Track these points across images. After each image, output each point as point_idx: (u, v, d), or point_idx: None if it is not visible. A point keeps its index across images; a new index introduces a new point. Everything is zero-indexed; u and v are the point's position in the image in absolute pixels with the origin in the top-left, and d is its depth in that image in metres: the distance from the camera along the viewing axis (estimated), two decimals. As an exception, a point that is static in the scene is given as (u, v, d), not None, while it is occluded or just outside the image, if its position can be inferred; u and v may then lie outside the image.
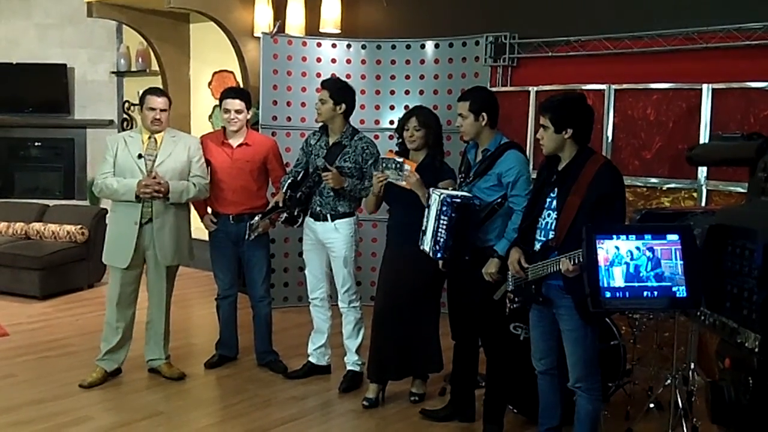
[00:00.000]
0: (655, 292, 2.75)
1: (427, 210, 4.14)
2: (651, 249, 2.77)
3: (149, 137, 4.87)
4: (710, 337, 5.01)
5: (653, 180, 5.42)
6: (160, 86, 9.03)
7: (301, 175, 4.91)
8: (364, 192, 4.79)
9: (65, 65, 9.48)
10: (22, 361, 5.40)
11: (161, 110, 4.87)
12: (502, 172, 4.05)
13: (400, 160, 4.36)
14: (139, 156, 4.80)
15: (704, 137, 5.14)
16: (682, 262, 2.73)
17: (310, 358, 5.19)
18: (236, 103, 5.06)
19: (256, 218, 4.99)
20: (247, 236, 5.00)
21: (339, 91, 4.81)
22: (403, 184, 4.31)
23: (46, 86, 9.48)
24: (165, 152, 4.87)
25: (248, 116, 5.15)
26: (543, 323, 3.74)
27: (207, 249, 5.39)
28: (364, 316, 5.00)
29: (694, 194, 5.25)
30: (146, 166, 4.80)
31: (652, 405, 4.49)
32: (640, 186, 5.45)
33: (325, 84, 4.89)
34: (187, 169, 4.96)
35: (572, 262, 3.31)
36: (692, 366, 4.41)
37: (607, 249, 2.80)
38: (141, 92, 5.02)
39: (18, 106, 9.53)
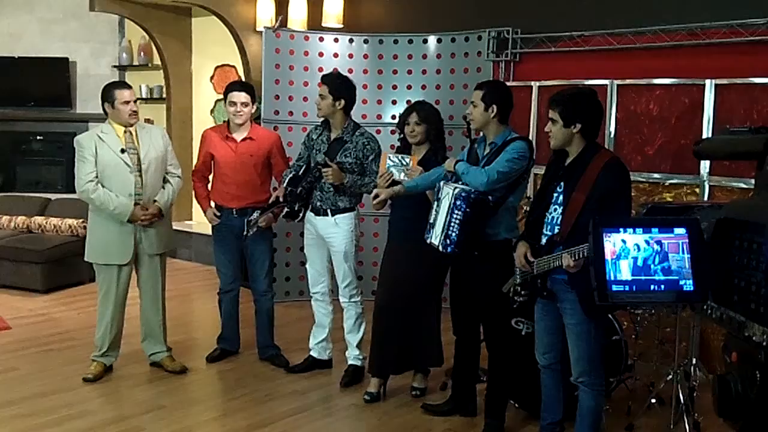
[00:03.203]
0: (662, 286, 2.74)
1: (436, 203, 4.12)
2: (658, 242, 2.76)
3: (124, 131, 4.85)
4: (712, 332, 5.02)
5: (656, 175, 5.41)
6: (162, 81, 9.08)
7: (302, 169, 4.91)
8: (363, 188, 4.79)
9: (67, 59, 9.45)
10: (24, 355, 5.41)
11: (134, 102, 4.86)
12: None
13: (406, 156, 4.38)
14: (122, 151, 4.79)
15: (707, 133, 5.14)
16: (689, 255, 2.73)
17: (312, 353, 5.19)
18: (242, 96, 5.06)
19: (255, 214, 4.99)
20: (246, 232, 5.00)
21: (338, 86, 4.81)
22: (408, 179, 4.31)
23: (49, 80, 9.45)
24: (145, 144, 4.87)
25: (253, 110, 5.15)
26: (547, 317, 3.75)
27: (210, 243, 5.38)
28: (365, 310, 5.00)
29: (697, 190, 5.24)
30: (131, 160, 4.80)
31: (653, 400, 4.48)
32: (643, 181, 5.44)
33: (324, 79, 4.88)
34: (166, 157, 5.00)
35: (573, 258, 3.31)
36: (694, 361, 4.41)
37: (614, 242, 2.80)
38: (104, 88, 4.94)
39: (20, 100, 9.50)
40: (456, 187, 3.96)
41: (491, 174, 3.92)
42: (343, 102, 4.79)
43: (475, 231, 3.96)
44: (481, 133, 4.24)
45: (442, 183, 4.14)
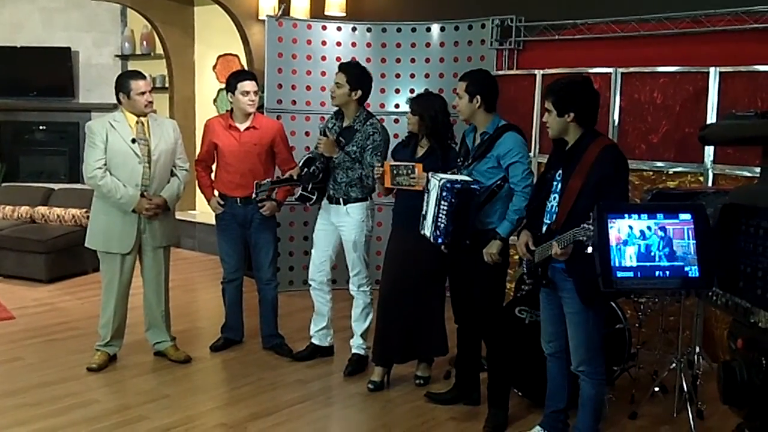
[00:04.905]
0: (667, 272, 2.73)
1: (426, 195, 4.15)
2: (663, 228, 2.75)
3: (137, 121, 4.84)
4: (715, 321, 5.02)
5: (659, 164, 5.40)
6: (164, 70, 9.07)
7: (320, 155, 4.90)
8: (351, 172, 4.78)
9: (69, 49, 9.46)
10: (29, 344, 5.42)
11: (149, 91, 4.85)
12: (500, 154, 4.04)
13: (410, 164, 4.38)
14: (133, 141, 4.78)
15: (711, 121, 5.12)
16: (694, 241, 2.72)
17: (313, 340, 5.21)
18: (254, 85, 5.09)
19: (266, 180, 4.96)
20: (254, 195, 4.95)
21: (356, 77, 4.78)
22: (417, 187, 4.32)
23: (51, 70, 9.47)
24: (156, 136, 4.87)
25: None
26: (551, 306, 3.75)
27: (213, 232, 5.38)
28: (374, 301, 5.00)
29: (701, 178, 5.23)
30: (141, 151, 4.79)
31: (657, 389, 4.49)
32: (646, 170, 5.43)
33: (343, 68, 4.84)
34: (176, 150, 5.00)
35: (561, 245, 3.33)
36: (697, 350, 4.41)
37: (618, 228, 2.79)
38: (119, 78, 4.90)
39: (22, 89, 9.51)
40: (442, 178, 3.99)
41: (525, 190, 3.97)
42: (359, 92, 4.78)
43: (464, 221, 3.98)
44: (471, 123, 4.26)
45: (430, 174, 4.17)
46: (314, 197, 4.91)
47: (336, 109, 4.95)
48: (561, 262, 3.47)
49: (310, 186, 4.87)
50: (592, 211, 3.00)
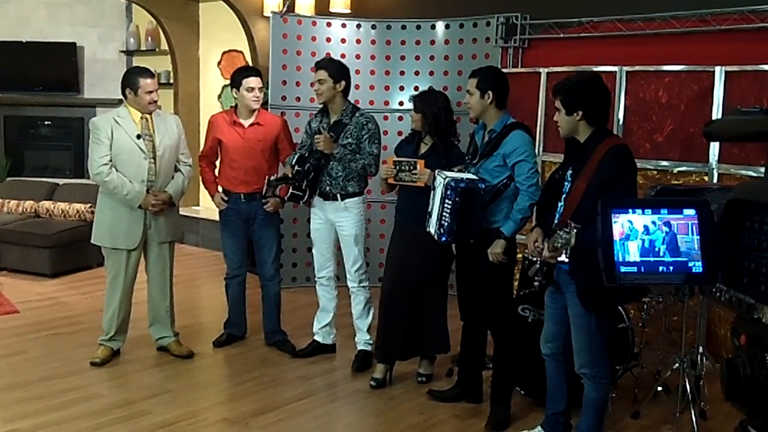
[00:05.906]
0: (671, 267, 2.73)
1: (432, 192, 4.15)
2: (667, 224, 2.75)
3: (141, 117, 4.84)
4: (719, 321, 5.01)
5: (664, 163, 5.38)
6: (169, 66, 9.07)
7: (307, 154, 4.90)
8: (353, 163, 4.78)
9: (75, 44, 9.48)
10: (32, 338, 5.43)
11: (156, 91, 4.85)
12: (506, 152, 4.03)
13: (412, 160, 4.39)
14: (138, 136, 4.78)
15: (716, 120, 5.11)
16: (698, 237, 2.71)
17: (316, 337, 5.21)
18: (259, 81, 5.10)
19: (274, 176, 4.98)
20: (264, 191, 4.99)
21: (337, 69, 4.81)
22: (419, 183, 4.32)
23: (56, 65, 9.49)
24: (160, 131, 4.87)
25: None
26: (555, 306, 3.71)
27: (217, 228, 5.38)
28: (373, 296, 5.00)
29: (705, 177, 5.21)
30: (146, 146, 4.79)
31: (659, 388, 4.48)
32: (651, 169, 5.42)
33: (320, 64, 4.87)
34: (179, 145, 5.02)
35: (550, 249, 3.32)
36: (701, 350, 4.39)
37: (622, 223, 2.78)
38: (127, 73, 4.90)
39: (28, 84, 9.54)
40: (447, 177, 3.98)
41: (529, 190, 3.97)
42: (343, 83, 4.81)
43: (469, 220, 3.97)
44: (480, 121, 4.24)
45: (436, 172, 4.16)
46: (305, 196, 4.92)
47: (317, 109, 4.99)
48: (566, 263, 3.45)
49: (304, 184, 4.87)
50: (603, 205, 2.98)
